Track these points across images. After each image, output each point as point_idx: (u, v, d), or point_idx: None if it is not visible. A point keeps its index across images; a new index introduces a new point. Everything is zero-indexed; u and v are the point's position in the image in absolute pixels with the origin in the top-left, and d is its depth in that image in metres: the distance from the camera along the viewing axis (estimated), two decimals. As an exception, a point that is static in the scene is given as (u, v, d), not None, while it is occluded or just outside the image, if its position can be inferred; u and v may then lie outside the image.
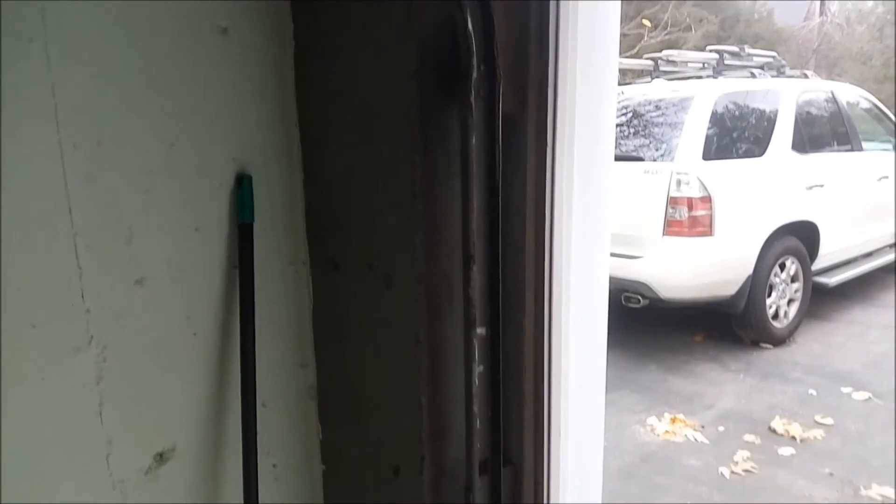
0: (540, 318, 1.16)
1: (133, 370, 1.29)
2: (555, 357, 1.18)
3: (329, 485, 1.59)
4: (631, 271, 4.91)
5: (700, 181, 4.76)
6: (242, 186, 1.33)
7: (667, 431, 4.17)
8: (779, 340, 5.52)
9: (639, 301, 4.99)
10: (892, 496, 3.37)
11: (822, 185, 5.67)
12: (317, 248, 1.41)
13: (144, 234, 1.25)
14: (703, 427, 4.23)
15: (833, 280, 6.00)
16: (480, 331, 1.13)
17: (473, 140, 1.03)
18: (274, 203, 1.40)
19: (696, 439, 4.07)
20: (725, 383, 4.88)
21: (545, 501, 1.23)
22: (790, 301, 5.65)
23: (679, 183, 4.75)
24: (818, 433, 4.08)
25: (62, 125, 1.10)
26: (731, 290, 5.05)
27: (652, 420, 4.33)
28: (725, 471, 3.69)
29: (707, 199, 4.74)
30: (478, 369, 1.14)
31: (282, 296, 1.47)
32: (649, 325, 6.01)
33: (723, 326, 5.65)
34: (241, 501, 1.42)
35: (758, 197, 5.20)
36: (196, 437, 1.41)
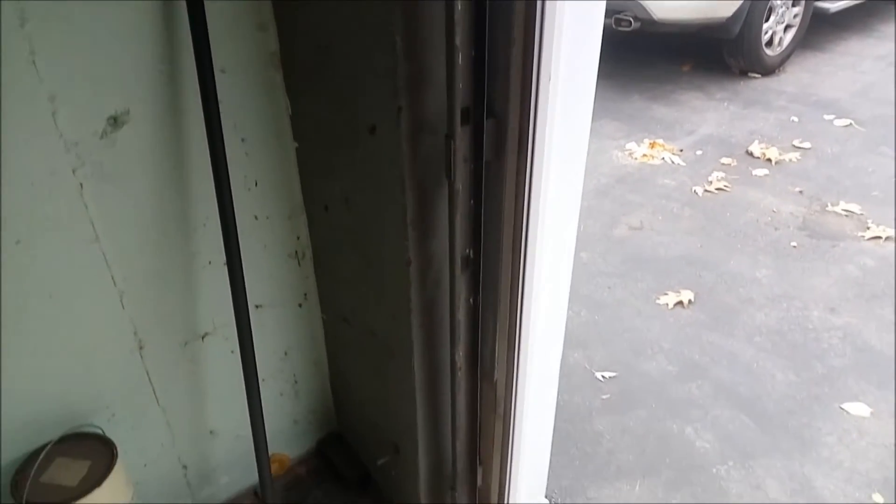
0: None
1: (62, 16, 1.12)
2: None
3: (303, 160, 1.53)
4: (625, -11, 4.52)
5: None
6: None
7: (644, 155, 4.19)
8: (769, 70, 5.33)
9: (630, 24, 4.66)
10: (857, 210, 3.51)
11: None
12: None
13: None
14: (681, 151, 4.24)
15: (834, 6, 5.61)
16: (464, -52, 0.95)
17: None
18: None
19: (672, 162, 4.10)
20: (708, 111, 4.81)
21: (529, 156, 1.16)
22: (787, 27, 5.33)
23: None
24: (794, 156, 4.12)
25: None
26: (728, 11, 4.71)
27: (631, 145, 4.32)
28: (699, 189, 3.77)
29: None
30: (461, -2, 0.98)
31: (228, -66, 1.24)
32: (636, 55, 5.75)
33: (712, 56, 5.41)
34: (211, 172, 1.35)
35: None
36: (151, 101, 1.28)
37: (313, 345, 1.88)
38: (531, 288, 1.33)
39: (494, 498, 1.74)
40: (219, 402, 1.73)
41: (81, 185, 1.26)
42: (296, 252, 1.69)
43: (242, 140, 1.44)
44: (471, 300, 1.36)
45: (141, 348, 1.50)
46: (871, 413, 2.28)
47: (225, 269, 1.54)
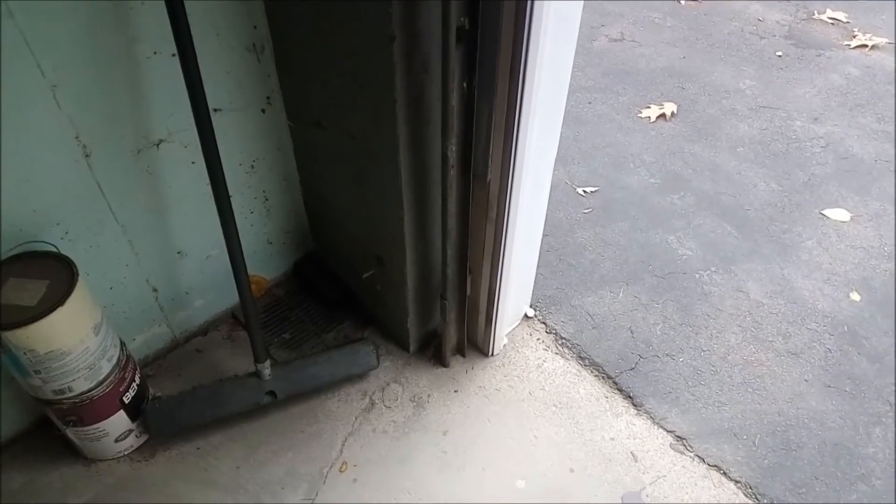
0: None
1: None
2: None
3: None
4: None
5: None
6: None
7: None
8: None
9: None
10: (843, 18, 3.34)
11: None
12: None
13: None
14: (663, -43, 3.91)
15: None
16: None
17: None
18: None
19: (654, -31, 3.79)
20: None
21: None
22: None
23: None
24: (782, -39, 3.85)
25: None
26: None
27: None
28: (682, -1, 3.53)
29: None
30: None
31: None
32: None
33: None
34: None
35: None
36: None
37: (282, 157, 1.72)
38: (533, 70, 1.17)
39: (483, 307, 1.70)
40: (184, 220, 1.58)
41: (-22, -60, 1.00)
42: (254, 45, 1.47)
43: None
44: (464, 84, 1.19)
45: (87, 156, 1.32)
46: (851, 218, 2.28)
47: (173, 63, 1.33)
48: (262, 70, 1.52)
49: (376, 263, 1.66)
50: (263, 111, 1.59)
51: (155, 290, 1.64)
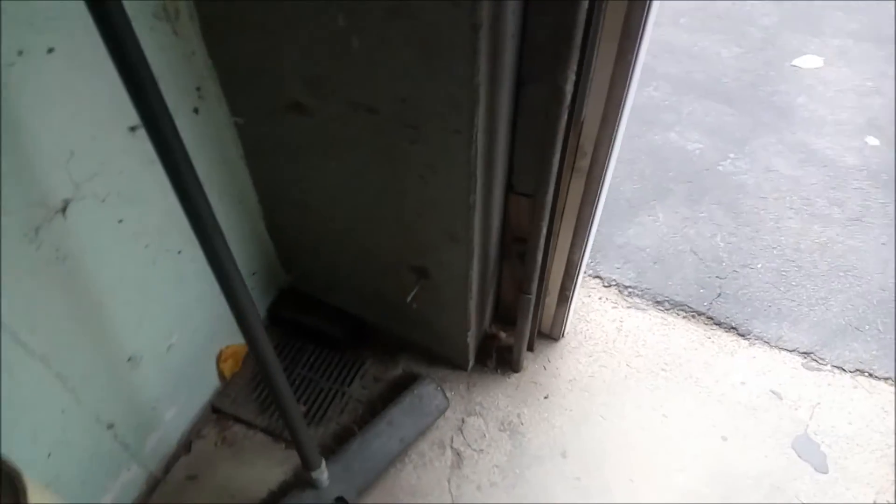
0: None
1: None
2: None
3: None
4: None
5: None
6: None
7: None
8: None
9: None
10: None
11: None
12: None
13: None
14: None
15: None
16: None
17: None
18: None
19: None
20: None
21: None
22: None
23: None
24: None
25: None
26: None
27: None
28: None
29: None
30: None
31: None
32: None
33: None
34: None
35: None
36: None
37: (229, 172, 1.17)
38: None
39: (557, 284, 1.31)
40: (127, 309, 1.02)
41: None
42: (164, 9, 0.91)
43: None
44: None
45: (-48, 268, 0.73)
46: (824, 61, 2.13)
47: (52, 63, 0.76)
48: (182, 46, 0.96)
49: (416, 278, 1.20)
50: (196, 111, 1.03)
51: (111, 426, 1.07)
